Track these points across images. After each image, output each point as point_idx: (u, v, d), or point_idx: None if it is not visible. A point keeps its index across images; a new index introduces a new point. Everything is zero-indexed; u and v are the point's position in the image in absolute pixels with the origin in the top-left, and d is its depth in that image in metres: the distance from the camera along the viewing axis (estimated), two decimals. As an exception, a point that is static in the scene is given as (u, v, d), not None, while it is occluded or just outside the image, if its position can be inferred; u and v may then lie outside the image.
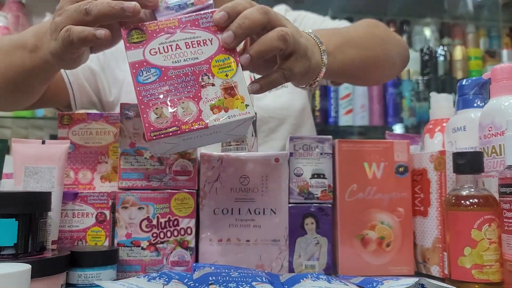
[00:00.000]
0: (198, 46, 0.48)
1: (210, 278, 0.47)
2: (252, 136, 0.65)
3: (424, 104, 1.91)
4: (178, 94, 0.46)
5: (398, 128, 1.94)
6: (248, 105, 0.47)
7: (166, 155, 0.56)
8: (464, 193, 0.52)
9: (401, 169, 0.62)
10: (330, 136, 0.62)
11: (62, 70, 0.90)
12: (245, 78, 0.50)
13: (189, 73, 0.47)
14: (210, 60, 0.48)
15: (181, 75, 0.47)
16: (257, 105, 0.93)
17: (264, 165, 0.59)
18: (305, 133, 0.98)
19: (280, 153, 0.60)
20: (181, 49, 0.48)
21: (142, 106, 0.46)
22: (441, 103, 0.74)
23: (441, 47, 2.03)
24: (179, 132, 0.45)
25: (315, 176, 0.60)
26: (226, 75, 0.48)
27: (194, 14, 0.49)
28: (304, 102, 0.99)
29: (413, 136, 0.81)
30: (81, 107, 0.97)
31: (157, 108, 0.46)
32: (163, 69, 0.47)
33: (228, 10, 0.49)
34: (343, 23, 1.00)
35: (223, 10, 0.49)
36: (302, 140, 0.61)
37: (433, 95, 0.75)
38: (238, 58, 0.49)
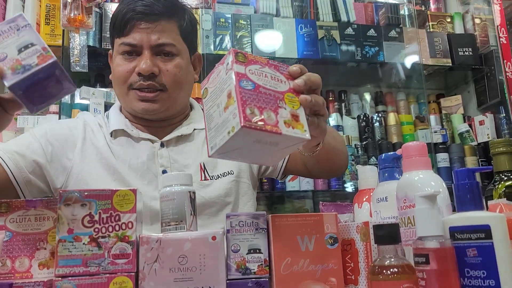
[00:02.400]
0: (277, 82, 0.66)
1: None
2: (191, 214, 0.68)
3: (364, 168, 2.02)
4: (264, 105, 0.62)
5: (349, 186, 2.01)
6: (306, 131, 0.65)
7: (224, 157, 0.66)
8: (385, 262, 0.57)
9: (331, 240, 0.66)
10: (264, 212, 0.66)
11: (5, 169, 0.94)
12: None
13: (272, 95, 0.64)
14: (284, 94, 0.66)
15: (267, 94, 0.64)
16: (203, 191, 0.99)
17: (202, 244, 0.62)
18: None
19: (216, 231, 0.63)
20: (267, 78, 0.65)
21: (241, 102, 0.60)
22: (367, 174, 0.81)
23: (376, 114, 2.19)
24: (263, 129, 0.60)
25: (251, 251, 0.63)
26: (293, 107, 0.66)
27: (276, 62, 0.68)
28: (247, 188, 1.07)
29: (346, 204, 0.87)
30: (32, 196, 0.99)
31: (251, 107, 0.60)
32: (256, 84, 0.63)
33: (301, 69, 0.69)
34: None
35: (298, 67, 0.69)
36: (238, 217, 0.65)
37: (359, 167, 0.82)
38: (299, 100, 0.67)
